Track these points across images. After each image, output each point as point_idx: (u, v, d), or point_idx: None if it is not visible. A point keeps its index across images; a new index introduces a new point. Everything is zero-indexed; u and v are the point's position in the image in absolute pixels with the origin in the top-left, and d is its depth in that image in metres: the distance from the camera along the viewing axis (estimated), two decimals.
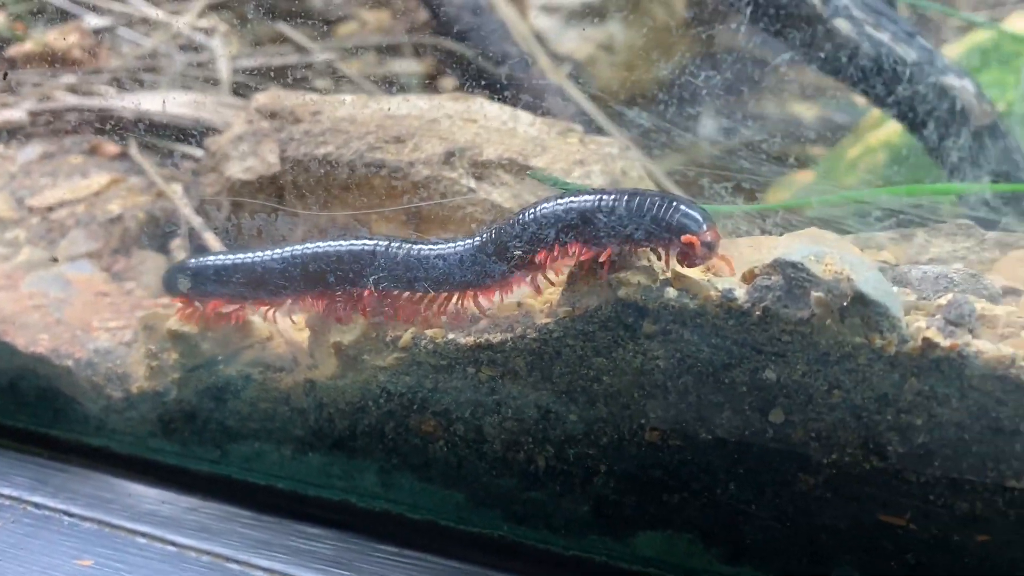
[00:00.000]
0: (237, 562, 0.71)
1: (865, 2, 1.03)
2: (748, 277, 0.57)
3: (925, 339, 0.53)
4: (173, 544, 0.73)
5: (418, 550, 0.70)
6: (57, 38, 1.52)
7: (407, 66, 1.69)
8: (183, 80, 1.48)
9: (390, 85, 1.60)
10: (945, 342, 0.53)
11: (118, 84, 1.45)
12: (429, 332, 0.66)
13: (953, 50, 1.64)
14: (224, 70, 1.47)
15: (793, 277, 0.55)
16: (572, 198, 0.60)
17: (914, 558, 0.59)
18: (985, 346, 0.53)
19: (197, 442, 0.79)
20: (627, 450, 0.64)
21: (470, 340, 0.65)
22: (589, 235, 0.58)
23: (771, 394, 0.58)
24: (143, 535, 0.74)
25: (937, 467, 0.56)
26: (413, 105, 0.96)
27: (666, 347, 0.59)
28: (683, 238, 0.55)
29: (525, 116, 0.96)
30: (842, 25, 1.01)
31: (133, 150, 1.25)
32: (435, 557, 0.69)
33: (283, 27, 1.55)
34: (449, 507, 0.71)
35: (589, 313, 0.60)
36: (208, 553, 0.72)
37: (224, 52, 1.50)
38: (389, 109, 0.94)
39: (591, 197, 0.58)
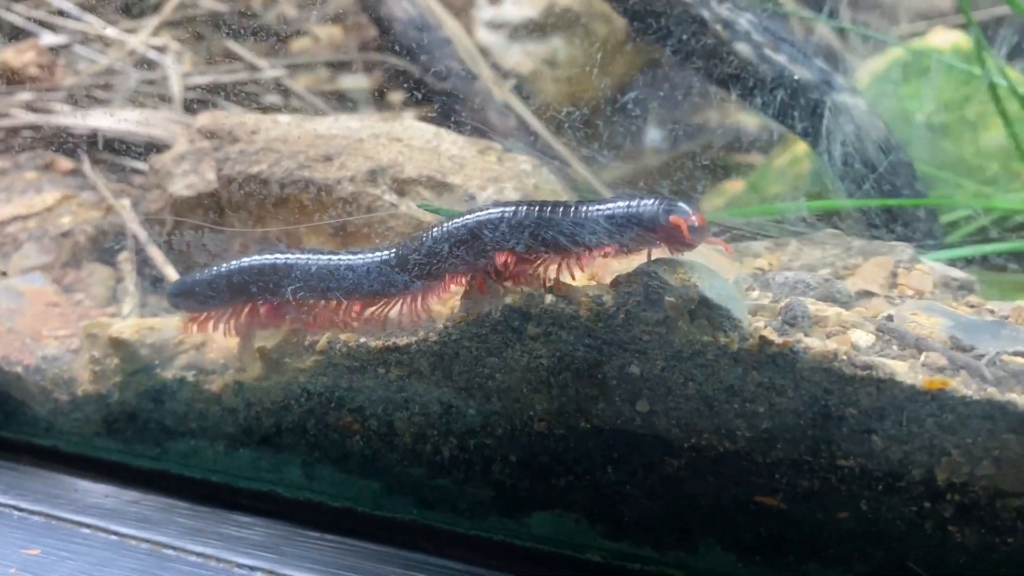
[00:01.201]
0: (173, 548, 0.78)
1: (765, 27, 1.12)
2: (614, 284, 0.65)
3: (761, 337, 0.61)
4: (115, 534, 0.80)
5: (338, 534, 0.77)
6: (13, 56, 1.57)
7: (356, 82, 1.76)
8: (136, 97, 1.54)
9: (339, 100, 1.67)
10: (778, 340, 0.61)
11: (73, 101, 1.50)
12: (343, 336, 0.73)
13: (876, 63, 1.74)
14: (176, 87, 1.52)
15: (650, 284, 0.63)
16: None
17: (767, 531, 0.67)
18: (813, 343, 0.61)
19: (138, 440, 0.86)
20: (519, 439, 0.71)
21: (379, 343, 0.72)
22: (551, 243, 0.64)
23: (637, 387, 0.66)
24: (87, 526, 0.81)
25: (780, 449, 0.64)
26: (344, 125, 1.03)
27: (548, 347, 0.67)
28: (671, 219, 0.60)
29: (449, 135, 1.04)
30: (742, 49, 1.10)
31: (86, 166, 1.31)
32: (353, 540, 0.76)
33: (232, 45, 1.62)
34: (366, 495, 0.78)
35: (482, 318, 0.68)
36: (147, 541, 0.79)
37: (176, 70, 1.56)
38: (320, 129, 1.01)
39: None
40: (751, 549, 0.68)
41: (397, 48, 1.55)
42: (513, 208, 0.65)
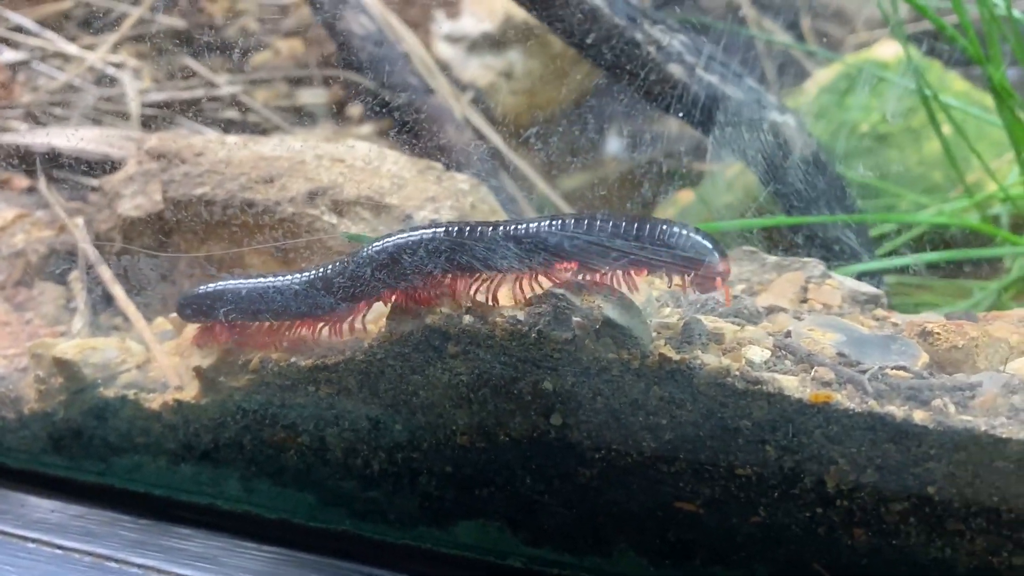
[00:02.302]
0: (116, 561, 0.80)
1: (697, 47, 1.16)
2: (527, 304, 0.69)
3: (661, 354, 0.65)
4: (60, 547, 0.82)
5: (274, 544, 0.80)
6: None
7: (315, 96, 1.78)
8: (93, 114, 1.56)
9: (298, 115, 1.69)
10: (676, 356, 0.65)
11: (32, 119, 1.52)
12: (274, 355, 0.77)
13: (823, 75, 1.79)
14: (133, 104, 1.55)
15: (558, 305, 0.67)
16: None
17: (675, 537, 0.71)
18: (708, 359, 0.65)
19: (84, 456, 0.88)
20: (444, 453, 0.75)
21: (309, 362, 0.75)
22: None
23: (550, 401, 0.69)
24: (33, 540, 0.83)
25: (682, 459, 0.68)
26: (288, 146, 1.06)
27: (467, 365, 0.71)
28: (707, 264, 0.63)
29: (392, 155, 1.07)
30: (675, 69, 1.14)
31: (42, 184, 1.33)
32: (288, 550, 0.80)
33: (189, 60, 1.64)
34: (302, 507, 0.81)
35: (404, 337, 0.71)
36: (90, 554, 0.81)
37: (133, 86, 1.58)
38: (265, 151, 1.04)
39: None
40: (661, 554, 0.71)
41: (355, 62, 1.57)
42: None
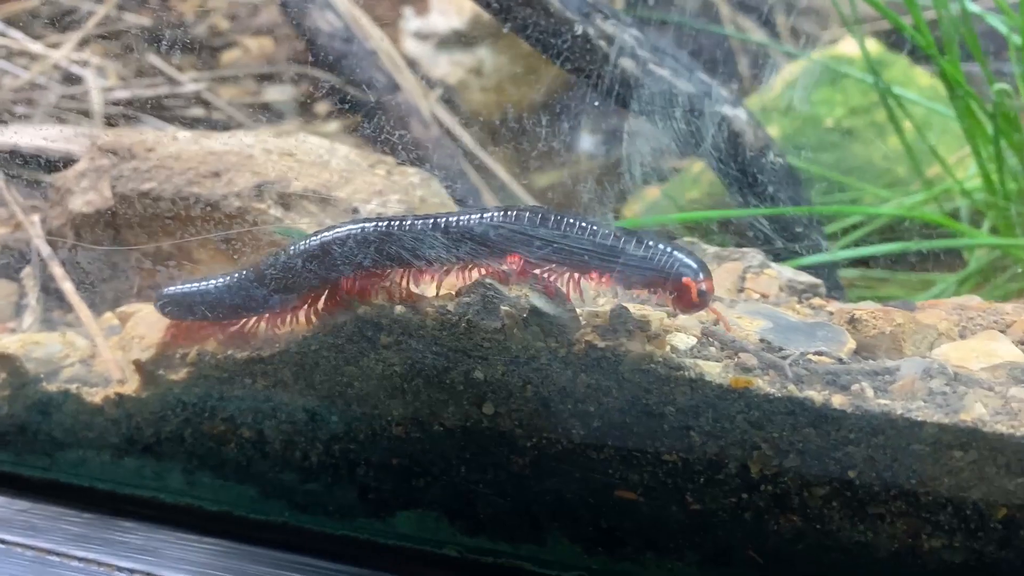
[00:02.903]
0: (57, 554, 0.80)
1: (650, 42, 1.17)
2: (457, 293, 0.69)
3: (587, 342, 0.66)
4: (1, 542, 0.82)
5: (216, 536, 0.81)
6: None
7: (283, 93, 1.79)
8: (57, 112, 1.55)
9: (266, 111, 1.69)
10: (602, 344, 0.66)
11: None
12: (210, 348, 0.77)
13: (789, 71, 1.80)
14: (96, 102, 1.54)
15: (487, 295, 0.67)
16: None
17: (607, 524, 0.71)
18: (633, 346, 0.66)
19: (29, 451, 0.89)
20: (380, 443, 0.75)
21: (245, 355, 0.76)
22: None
23: (482, 390, 0.70)
24: None
25: (611, 446, 0.68)
26: (239, 141, 1.06)
27: (400, 355, 0.71)
28: (684, 280, 0.63)
29: (343, 149, 1.08)
30: (627, 64, 1.14)
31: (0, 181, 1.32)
32: (229, 542, 0.80)
33: (153, 58, 1.64)
34: (243, 500, 0.82)
35: (337, 328, 0.72)
36: (33, 548, 0.81)
37: (96, 84, 1.58)
38: (215, 146, 1.04)
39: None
40: (594, 541, 0.72)
41: (322, 59, 1.57)
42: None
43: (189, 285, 0.77)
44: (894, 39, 1.59)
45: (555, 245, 0.64)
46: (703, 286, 0.64)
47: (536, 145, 1.27)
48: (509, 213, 0.65)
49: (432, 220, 0.67)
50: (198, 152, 1.02)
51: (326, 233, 0.70)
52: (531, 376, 0.68)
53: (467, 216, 0.66)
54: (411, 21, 1.91)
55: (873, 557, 0.65)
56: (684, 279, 0.63)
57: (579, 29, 1.13)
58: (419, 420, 0.73)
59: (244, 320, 0.75)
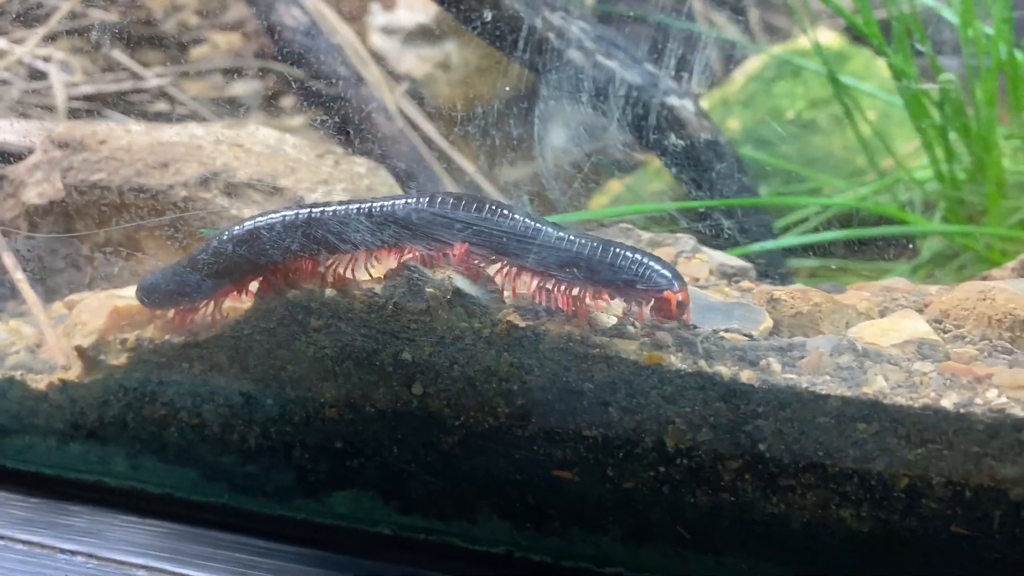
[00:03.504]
0: (1, 539, 0.82)
1: (598, 34, 1.19)
2: (385, 277, 0.71)
3: (508, 322, 0.68)
4: None
5: (158, 518, 0.82)
6: None
7: (249, 88, 1.80)
8: (19, 107, 1.56)
9: (232, 106, 1.70)
10: (523, 324, 0.68)
11: None
12: (147, 333, 0.78)
13: (752, 64, 1.82)
14: (60, 97, 1.55)
15: (411, 277, 0.69)
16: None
17: (534, 501, 0.73)
18: (552, 325, 0.67)
19: None
20: (314, 425, 0.77)
21: (181, 340, 0.77)
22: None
23: (410, 371, 0.72)
24: None
25: (535, 423, 0.70)
26: (190, 132, 1.08)
27: (330, 338, 0.73)
28: (665, 293, 0.64)
29: (292, 140, 1.09)
30: (575, 55, 1.16)
31: None
32: (171, 523, 0.82)
33: (117, 54, 1.65)
34: (185, 482, 0.83)
35: (269, 312, 0.73)
36: None
37: (60, 79, 1.58)
38: (165, 137, 1.05)
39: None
40: (523, 518, 0.74)
41: (287, 55, 1.59)
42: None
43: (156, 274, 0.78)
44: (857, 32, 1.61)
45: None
46: (680, 296, 0.65)
47: (504, 139, 1.29)
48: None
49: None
50: (148, 143, 1.04)
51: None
52: (457, 356, 0.70)
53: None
54: (378, 16, 1.92)
55: (787, 529, 0.67)
56: (667, 293, 0.65)
57: (527, 21, 1.15)
58: (351, 402, 0.75)
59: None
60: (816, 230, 1.34)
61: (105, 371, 0.81)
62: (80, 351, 0.81)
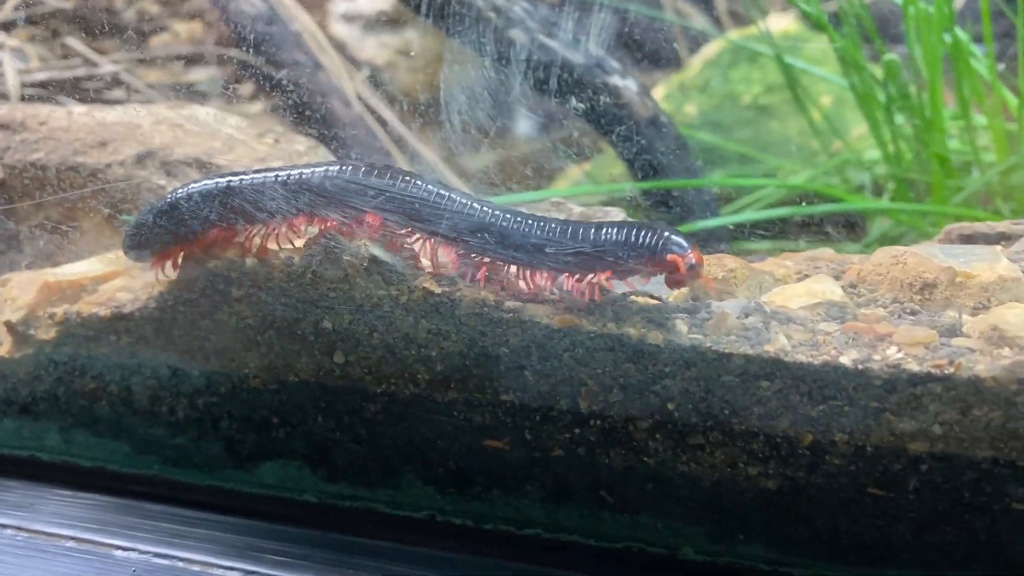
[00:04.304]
0: None
1: (543, 15, 1.20)
2: (304, 247, 0.72)
3: (424, 288, 0.69)
4: None
5: (91, 491, 0.83)
6: None
7: (208, 75, 1.79)
8: None
9: (189, 93, 1.70)
10: (439, 290, 0.68)
11: None
12: (75, 307, 0.79)
13: (710, 50, 1.83)
14: (12, 83, 1.55)
15: (328, 245, 0.70)
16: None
17: (456, 466, 0.74)
18: (468, 291, 0.68)
19: None
20: (240, 396, 0.77)
21: (108, 312, 0.78)
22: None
23: (331, 340, 0.72)
24: None
25: (454, 389, 0.71)
26: (132, 112, 1.08)
27: (252, 308, 0.73)
28: (669, 257, 0.63)
29: (233, 119, 1.10)
30: (517, 35, 1.17)
31: None
32: (103, 496, 0.82)
33: (71, 41, 1.64)
34: (117, 455, 0.84)
35: (191, 283, 0.74)
36: None
37: (11, 66, 1.58)
38: (109, 118, 1.06)
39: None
40: (445, 482, 0.75)
41: (246, 42, 1.59)
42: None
43: None
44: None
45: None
46: (691, 258, 0.64)
47: (467, 126, 1.29)
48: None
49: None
50: (88, 123, 1.04)
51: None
52: (376, 324, 0.71)
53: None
54: (339, 3, 1.92)
55: (699, 487, 0.68)
56: (670, 257, 0.63)
57: (470, 2, 1.15)
58: (275, 372, 0.75)
59: None
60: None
61: (35, 346, 0.81)
62: (9, 326, 0.82)
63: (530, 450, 0.71)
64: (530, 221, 0.66)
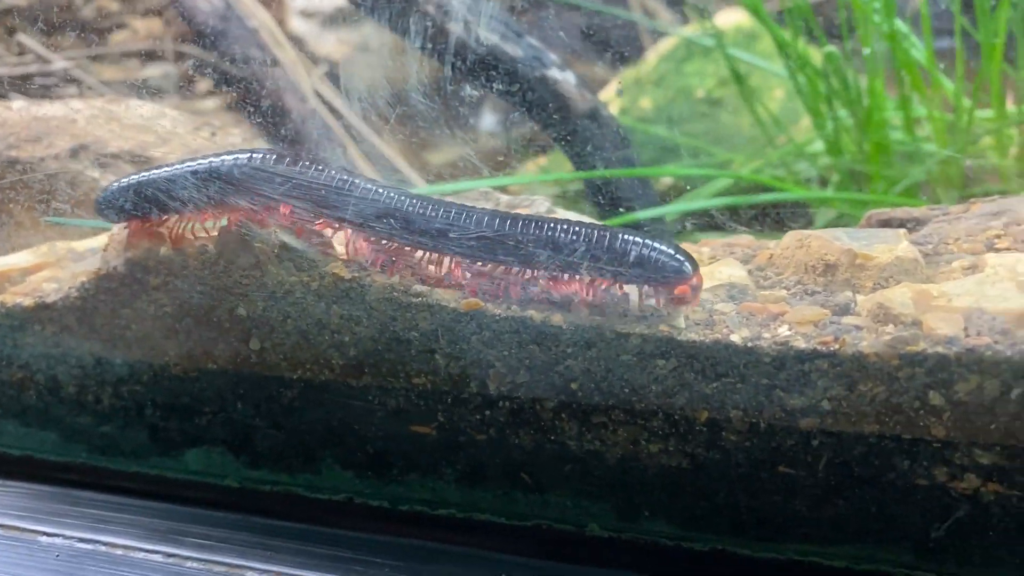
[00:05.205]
0: None
1: (481, 8, 1.21)
2: (219, 235, 0.73)
3: (334, 274, 0.70)
4: None
5: (20, 480, 0.84)
6: None
7: (163, 71, 1.80)
8: None
9: (144, 90, 1.71)
10: (348, 276, 0.70)
11: None
12: (1, 297, 0.80)
13: (665, 45, 1.85)
14: None
15: (239, 232, 0.71)
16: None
17: (373, 450, 0.76)
18: (378, 277, 0.70)
19: None
20: (162, 384, 0.79)
21: (32, 302, 0.79)
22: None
23: (247, 327, 0.74)
24: None
25: (368, 374, 0.73)
26: (69, 107, 1.09)
27: (169, 296, 0.75)
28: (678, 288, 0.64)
29: (172, 114, 1.11)
30: (454, 28, 1.18)
31: None
32: (31, 484, 0.83)
33: (23, 37, 1.64)
34: (46, 444, 0.85)
35: (111, 272, 0.75)
36: None
37: None
38: (49, 113, 1.06)
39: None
40: (363, 466, 0.76)
41: (202, 38, 1.59)
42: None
43: None
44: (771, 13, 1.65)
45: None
46: (694, 280, 0.66)
47: (427, 122, 1.31)
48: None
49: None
50: (24, 118, 1.05)
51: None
52: (289, 310, 0.72)
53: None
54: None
55: (605, 465, 0.70)
56: (679, 287, 0.65)
57: None
58: (195, 359, 0.77)
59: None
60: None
61: None
62: None
63: (444, 433, 0.73)
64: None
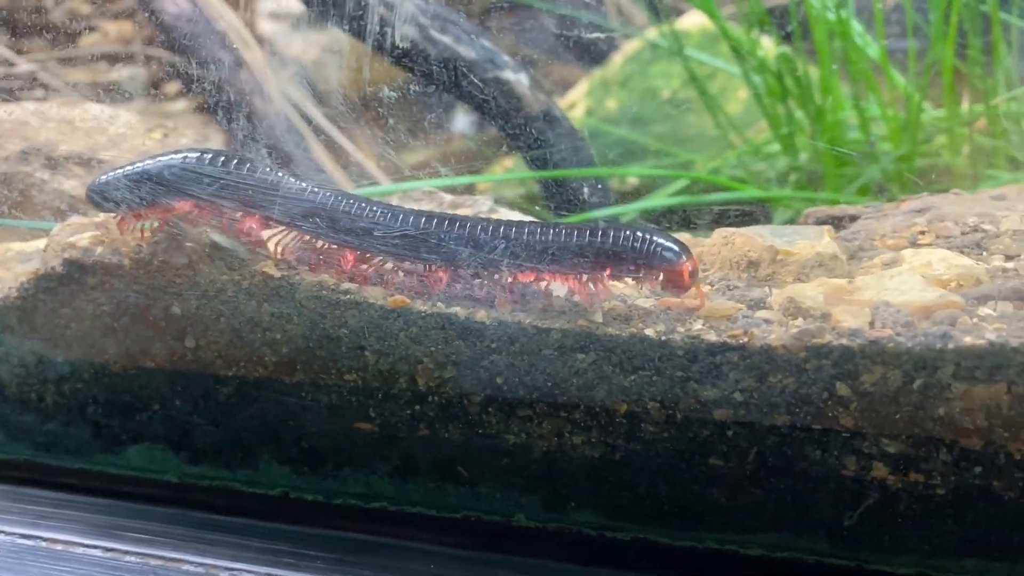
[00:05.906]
0: None
1: (434, 11, 1.23)
2: (152, 234, 0.74)
3: (263, 273, 0.72)
4: None
5: None
6: None
7: (132, 74, 1.81)
8: None
9: (113, 93, 1.72)
10: (278, 274, 0.71)
11: None
12: None
13: (631, 47, 1.87)
14: None
15: (171, 232, 0.72)
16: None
17: (308, 445, 0.77)
18: (307, 275, 0.71)
19: None
20: (103, 382, 0.80)
21: None
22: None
23: (182, 325, 0.75)
24: None
25: (300, 371, 0.74)
26: (22, 110, 1.10)
27: (107, 296, 0.76)
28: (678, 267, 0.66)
29: (125, 116, 1.12)
30: (409, 31, 1.20)
31: None
32: None
33: None
34: None
35: (48, 272, 0.76)
36: None
37: None
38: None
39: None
40: (299, 462, 0.78)
41: (169, 41, 1.60)
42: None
43: None
44: (733, 15, 1.67)
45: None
46: (690, 266, 0.67)
47: (399, 123, 1.32)
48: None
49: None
50: None
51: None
52: (222, 308, 0.73)
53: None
54: (266, 1, 1.94)
55: (531, 457, 0.72)
56: (680, 266, 0.67)
57: None
58: (133, 357, 0.78)
59: None
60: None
61: None
62: None
63: (377, 428, 0.74)
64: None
